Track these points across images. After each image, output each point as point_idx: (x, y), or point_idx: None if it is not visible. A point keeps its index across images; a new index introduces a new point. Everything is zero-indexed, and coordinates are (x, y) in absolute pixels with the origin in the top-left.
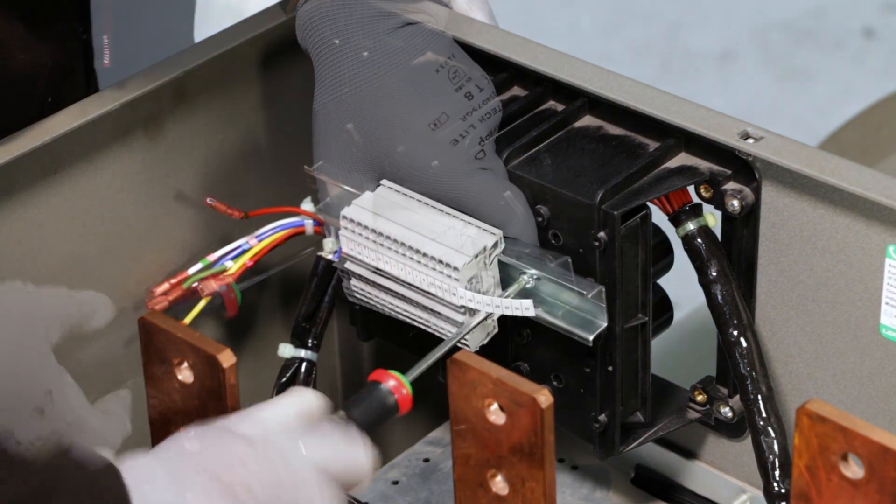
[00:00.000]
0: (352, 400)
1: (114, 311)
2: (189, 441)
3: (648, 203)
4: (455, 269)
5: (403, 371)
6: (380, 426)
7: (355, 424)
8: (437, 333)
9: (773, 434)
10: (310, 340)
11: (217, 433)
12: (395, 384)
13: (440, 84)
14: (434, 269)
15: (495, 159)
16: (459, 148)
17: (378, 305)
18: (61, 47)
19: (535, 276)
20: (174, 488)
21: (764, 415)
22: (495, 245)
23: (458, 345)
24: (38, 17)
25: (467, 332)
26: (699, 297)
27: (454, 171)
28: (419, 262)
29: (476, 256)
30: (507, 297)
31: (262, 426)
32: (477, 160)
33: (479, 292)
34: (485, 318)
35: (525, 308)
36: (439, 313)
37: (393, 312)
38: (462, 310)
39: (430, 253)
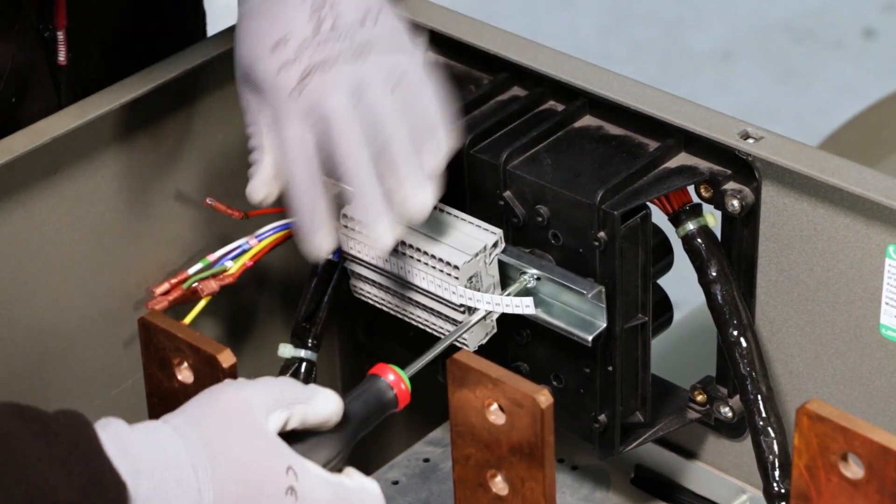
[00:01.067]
0: (351, 393)
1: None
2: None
3: (648, 203)
4: (455, 267)
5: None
6: (378, 420)
7: (354, 418)
8: (436, 333)
9: (772, 434)
10: (310, 340)
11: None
12: (395, 378)
13: (298, 11)
14: (434, 267)
15: (322, 96)
16: (283, 75)
17: (378, 304)
18: (22, 46)
19: (535, 276)
20: (142, 426)
21: (764, 415)
22: (496, 244)
23: (458, 344)
24: None
25: (468, 329)
26: (699, 297)
27: (276, 97)
28: (419, 260)
29: (476, 255)
30: (507, 296)
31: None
32: (291, 96)
33: (478, 291)
34: (485, 316)
35: (525, 306)
36: (439, 312)
37: (393, 311)
38: (462, 309)
39: (430, 251)
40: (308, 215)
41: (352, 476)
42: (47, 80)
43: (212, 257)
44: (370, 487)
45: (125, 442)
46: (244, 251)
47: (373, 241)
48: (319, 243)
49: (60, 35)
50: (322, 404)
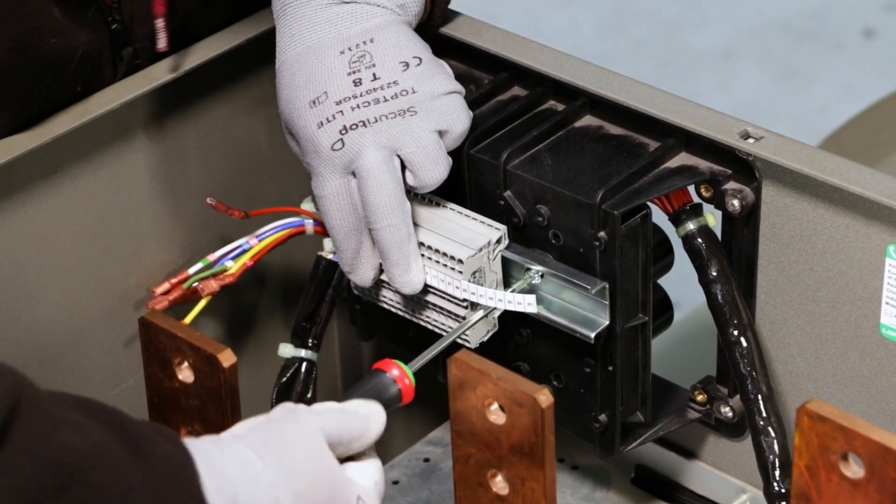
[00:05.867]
0: (354, 387)
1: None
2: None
3: (649, 203)
4: (459, 261)
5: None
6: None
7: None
8: (438, 330)
9: (773, 434)
10: (310, 340)
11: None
12: (399, 373)
13: (335, 64)
14: (438, 262)
15: (359, 153)
16: (322, 131)
17: (380, 302)
18: (93, 35)
19: (539, 273)
20: (231, 452)
21: (764, 414)
22: (499, 240)
23: (459, 341)
24: (72, 2)
25: (473, 324)
26: (699, 297)
27: (314, 152)
28: (423, 255)
29: (480, 250)
30: (510, 292)
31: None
32: (333, 150)
33: (481, 286)
34: (487, 314)
35: (528, 304)
36: (442, 308)
37: (395, 309)
38: (465, 304)
39: (434, 245)
40: (350, 259)
41: None
42: (110, 70)
43: (212, 257)
44: None
45: (221, 480)
46: (244, 251)
47: (400, 287)
48: (362, 278)
49: (160, 22)
50: (370, 438)
